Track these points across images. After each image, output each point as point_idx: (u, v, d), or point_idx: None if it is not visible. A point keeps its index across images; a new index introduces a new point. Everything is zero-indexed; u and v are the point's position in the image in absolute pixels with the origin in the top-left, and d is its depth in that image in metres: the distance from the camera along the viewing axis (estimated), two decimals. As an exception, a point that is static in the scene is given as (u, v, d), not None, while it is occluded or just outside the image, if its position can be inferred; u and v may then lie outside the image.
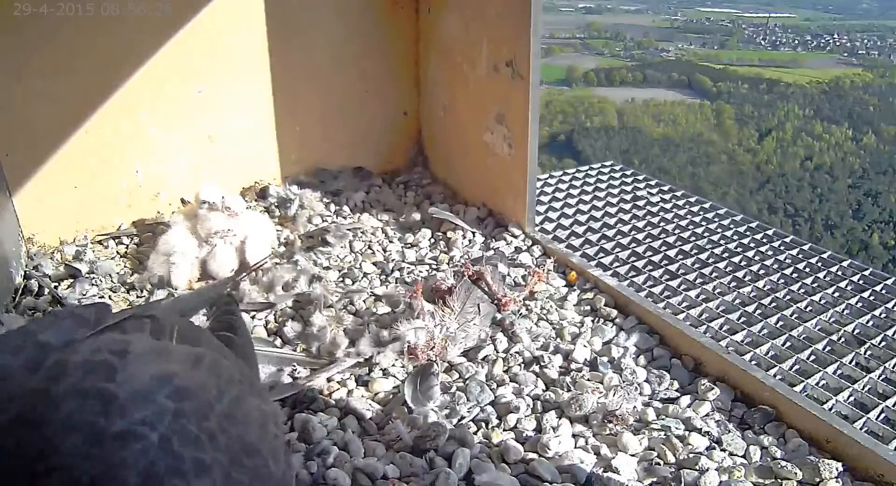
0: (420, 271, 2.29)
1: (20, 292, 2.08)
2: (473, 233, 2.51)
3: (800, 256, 2.67)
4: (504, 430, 1.59)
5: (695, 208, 3.08)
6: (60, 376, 0.72)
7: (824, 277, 2.50)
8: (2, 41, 2.07)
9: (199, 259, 2.21)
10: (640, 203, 3.12)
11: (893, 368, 1.97)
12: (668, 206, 3.10)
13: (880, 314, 2.28)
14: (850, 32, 57.38)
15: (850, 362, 2.00)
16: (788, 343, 2.08)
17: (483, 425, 1.60)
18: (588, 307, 2.09)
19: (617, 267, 2.52)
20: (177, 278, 2.13)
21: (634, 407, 1.60)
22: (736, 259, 2.61)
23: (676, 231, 2.84)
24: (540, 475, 1.43)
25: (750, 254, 2.64)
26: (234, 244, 2.23)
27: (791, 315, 2.24)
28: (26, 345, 0.78)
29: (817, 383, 1.89)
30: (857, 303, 2.34)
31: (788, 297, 2.36)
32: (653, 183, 3.39)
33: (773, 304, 2.31)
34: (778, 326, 2.16)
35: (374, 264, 2.33)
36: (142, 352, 0.79)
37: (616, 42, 57.98)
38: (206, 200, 2.24)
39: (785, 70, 49.66)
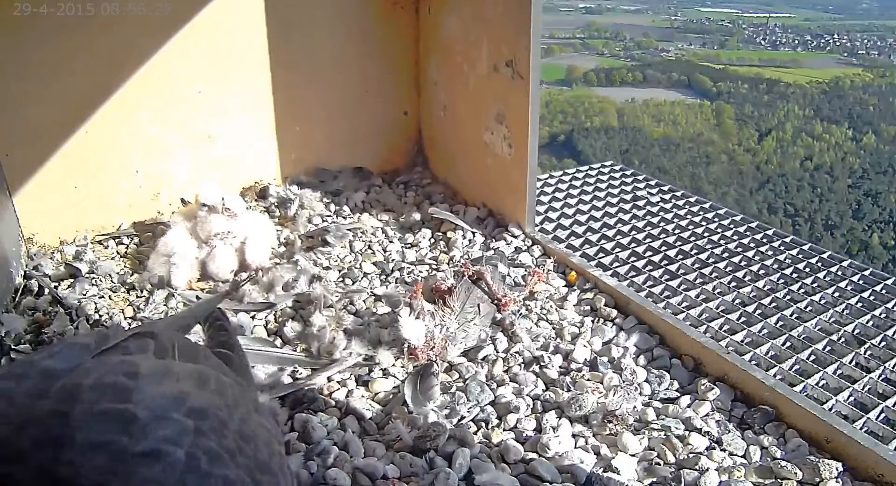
0: (420, 271, 2.29)
1: (20, 292, 2.08)
2: (473, 233, 2.51)
3: (800, 256, 2.67)
4: (504, 430, 1.59)
5: (695, 208, 3.08)
6: (74, 399, 0.71)
7: (824, 277, 2.50)
8: (2, 41, 2.07)
9: (199, 260, 2.21)
10: (640, 203, 3.12)
11: (893, 368, 1.97)
12: (668, 206, 3.10)
13: (880, 314, 2.28)
14: (850, 32, 57.38)
15: (850, 362, 1.99)
16: (788, 343, 2.08)
17: (483, 425, 1.60)
18: (588, 307, 2.09)
19: (617, 267, 2.52)
20: (177, 279, 2.13)
21: (634, 407, 1.60)
22: (736, 259, 2.60)
23: (676, 231, 2.84)
24: (540, 475, 1.43)
25: (750, 254, 2.64)
26: (233, 246, 2.23)
27: (791, 315, 2.24)
28: (29, 373, 0.77)
29: (817, 383, 1.89)
30: (857, 303, 2.34)
31: (788, 297, 2.36)
32: (653, 183, 3.39)
33: (773, 304, 2.31)
34: (778, 326, 2.16)
35: (374, 263, 2.33)
36: (151, 373, 0.79)
37: (616, 42, 57.99)
38: (206, 203, 2.23)
39: (785, 70, 49.65)
